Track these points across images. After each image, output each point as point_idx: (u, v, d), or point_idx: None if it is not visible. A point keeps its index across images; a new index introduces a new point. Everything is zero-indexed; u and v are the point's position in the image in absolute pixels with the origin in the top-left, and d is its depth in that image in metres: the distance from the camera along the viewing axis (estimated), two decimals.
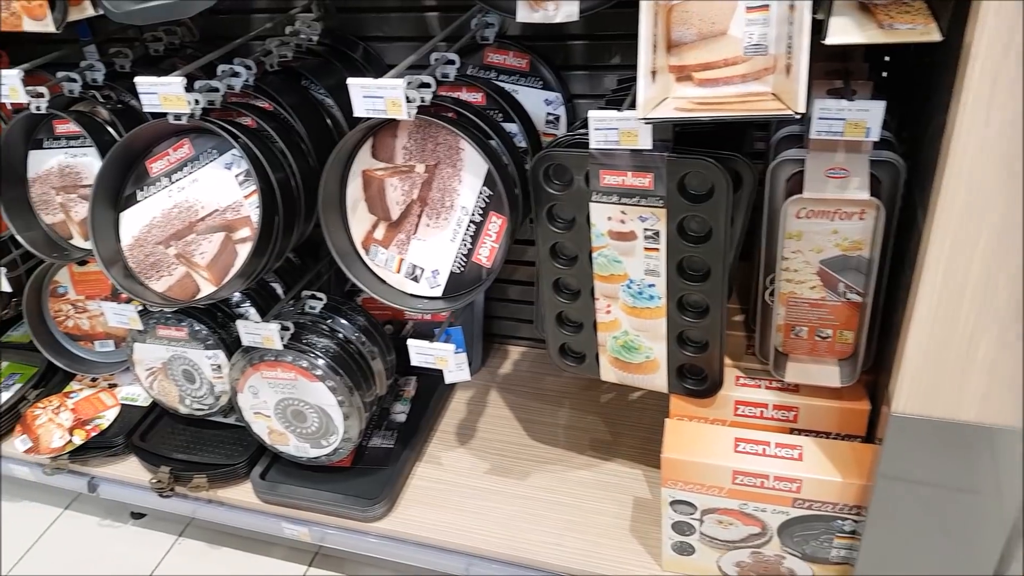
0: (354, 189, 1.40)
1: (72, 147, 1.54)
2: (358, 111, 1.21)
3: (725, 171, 1.14)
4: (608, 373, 1.41)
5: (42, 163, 1.57)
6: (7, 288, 1.76)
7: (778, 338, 1.29)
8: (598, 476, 1.65)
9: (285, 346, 1.55)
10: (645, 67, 1.02)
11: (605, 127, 1.13)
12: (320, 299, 1.65)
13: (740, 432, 1.29)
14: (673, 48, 1.09)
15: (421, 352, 1.42)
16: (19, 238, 1.58)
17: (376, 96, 1.19)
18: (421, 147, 1.34)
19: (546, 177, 1.28)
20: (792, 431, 1.33)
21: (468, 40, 1.52)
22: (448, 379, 1.44)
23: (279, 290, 1.78)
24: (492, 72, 1.62)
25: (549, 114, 1.63)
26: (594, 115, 1.12)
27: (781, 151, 1.15)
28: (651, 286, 1.27)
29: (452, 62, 1.40)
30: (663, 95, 1.08)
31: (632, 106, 1.12)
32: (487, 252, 1.35)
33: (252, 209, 1.40)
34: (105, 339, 2.03)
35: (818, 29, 0.94)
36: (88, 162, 1.54)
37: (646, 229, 1.22)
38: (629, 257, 1.26)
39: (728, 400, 1.34)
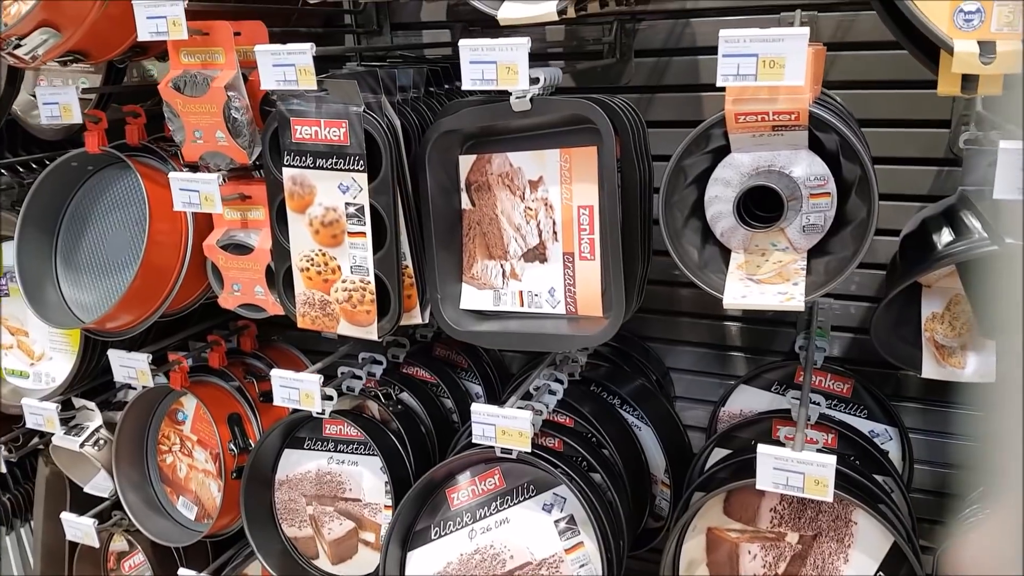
0: (693, 547, 1.16)
1: (340, 452, 1.34)
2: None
3: None
4: None
5: (297, 465, 1.37)
6: None
7: None
8: None
9: None
10: None
11: None
12: None
13: None
14: None
15: None
16: (258, 555, 1.34)
17: (790, 470, 0.98)
18: (797, 512, 1.11)
19: None
20: None
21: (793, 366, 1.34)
22: None
23: None
24: None
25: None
26: None
27: None
28: None
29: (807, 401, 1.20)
30: None
31: None
32: None
33: (576, 568, 1.15)
34: None
35: None
36: (355, 471, 1.34)
37: None
38: None
39: None
